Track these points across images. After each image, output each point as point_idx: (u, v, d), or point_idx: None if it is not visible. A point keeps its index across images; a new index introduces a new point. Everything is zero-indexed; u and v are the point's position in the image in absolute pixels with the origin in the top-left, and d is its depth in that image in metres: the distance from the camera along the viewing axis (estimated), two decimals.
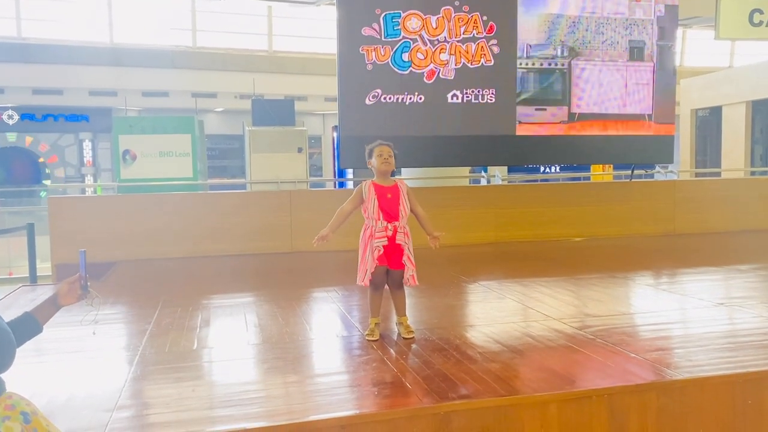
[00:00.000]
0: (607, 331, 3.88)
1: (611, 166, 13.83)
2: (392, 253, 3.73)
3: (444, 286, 5.38)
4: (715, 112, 16.36)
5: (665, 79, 8.07)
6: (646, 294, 5.24)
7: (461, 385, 2.98)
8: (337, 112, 7.42)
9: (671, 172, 10.32)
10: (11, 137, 19.52)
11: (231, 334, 4.06)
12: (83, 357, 3.62)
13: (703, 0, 10.97)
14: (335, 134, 13.06)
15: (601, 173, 14.42)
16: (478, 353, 3.49)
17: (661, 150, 8.21)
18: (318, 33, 17.86)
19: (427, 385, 2.99)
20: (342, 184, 11.13)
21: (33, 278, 7.02)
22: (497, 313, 4.45)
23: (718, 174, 13.86)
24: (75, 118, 19.36)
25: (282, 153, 11.34)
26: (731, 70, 17.58)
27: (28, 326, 2.27)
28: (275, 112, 11.79)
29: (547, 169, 16.45)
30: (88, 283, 2.35)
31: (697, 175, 14.56)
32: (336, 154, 12.11)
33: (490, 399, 2.82)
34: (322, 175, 18.92)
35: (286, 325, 4.19)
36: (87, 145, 19.93)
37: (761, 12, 9.67)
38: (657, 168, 10.18)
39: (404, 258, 3.76)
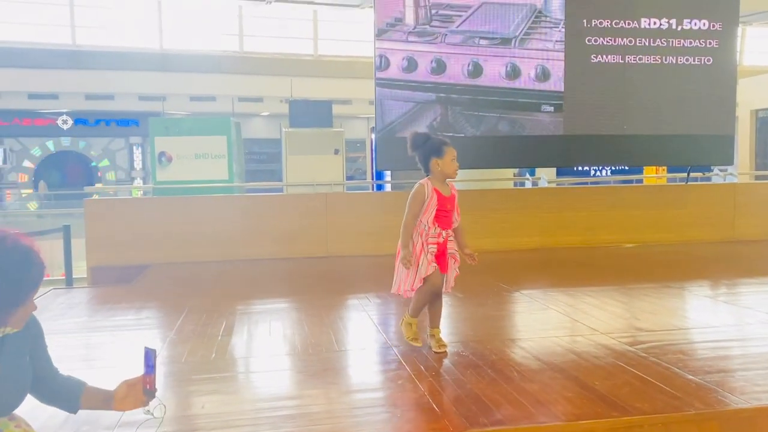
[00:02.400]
0: (661, 348, 3.51)
1: (665, 168, 13.23)
2: (440, 261, 3.47)
3: (482, 294, 5.06)
4: None
5: (726, 79, 7.57)
6: (705, 306, 4.82)
7: (495, 408, 2.68)
8: None
9: (731, 174, 9.71)
10: (65, 141, 20.07)
11: (252, 344, 3.85)
12: (95, 367, 3.45)
13: None
14: (373, 136, 12.88)
15: (654, 176, 13.82)
16: (516, 372, 3.17)
17: (720, 150, 7.70)
18: (362, 36, 17.73)
19: (456, 407, 2.70)
20: (380, 187, 10.86)
21: (69, 281, 7.01)
22: (539, 326, 4.11)
23: None
24: (125, 122, 19.80)
25: (318, 155, 11.17)
26: None
27: (68, 397, 2.08)
28: (312, 114, 11.63)
29: (598, 172, 15.87)
30: (156, 389, 2.04)
31: (757, 177, 13.79)
32: (373, 155, 11.89)
33: (527, 426, 2.51)
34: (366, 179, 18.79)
35: (311, 335, 3.95)
36: (137, 149, 20.37)
37: None
38: (715, 170, 9.60)
39: (455, 265, 3.52)
